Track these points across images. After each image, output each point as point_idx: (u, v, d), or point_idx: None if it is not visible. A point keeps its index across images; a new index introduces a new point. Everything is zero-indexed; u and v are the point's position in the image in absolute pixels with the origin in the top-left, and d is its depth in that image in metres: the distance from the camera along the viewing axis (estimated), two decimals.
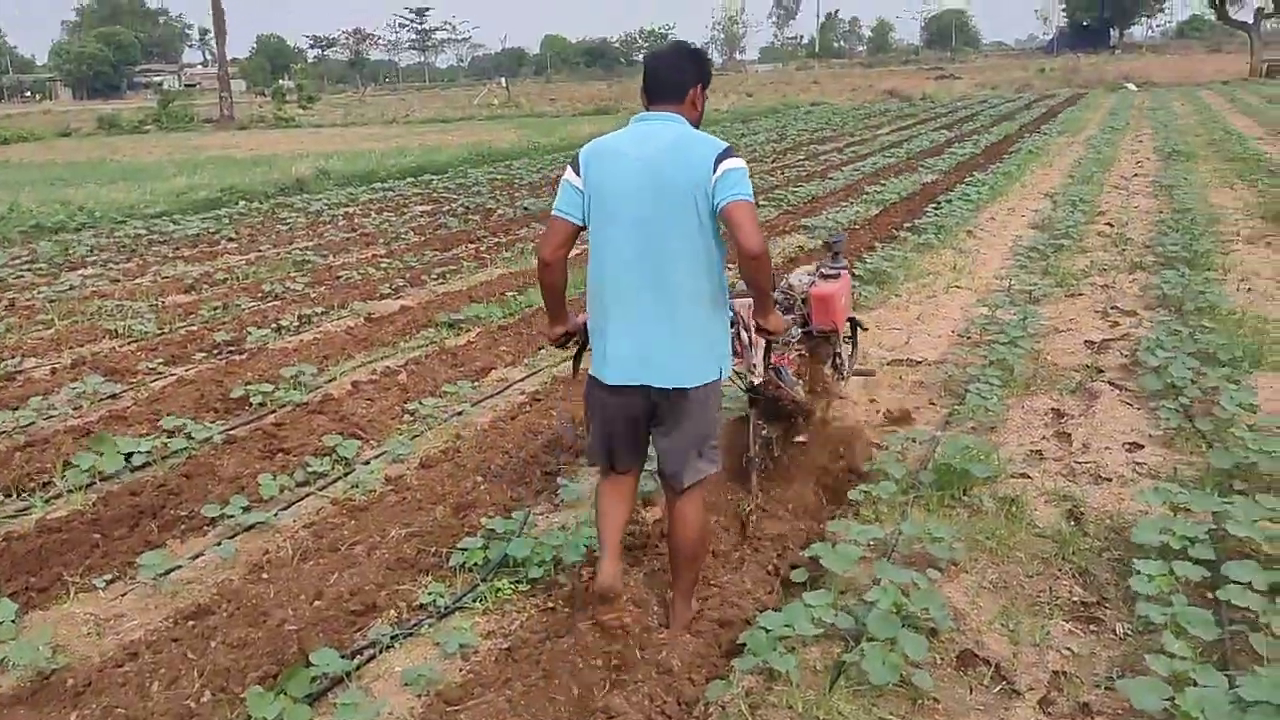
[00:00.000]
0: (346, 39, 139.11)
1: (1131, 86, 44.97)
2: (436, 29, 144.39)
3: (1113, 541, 3.96)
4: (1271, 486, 4.22)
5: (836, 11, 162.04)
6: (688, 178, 3.05)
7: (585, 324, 3.36)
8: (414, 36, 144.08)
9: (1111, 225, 11.41)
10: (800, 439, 4.58)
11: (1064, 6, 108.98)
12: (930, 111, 35.28)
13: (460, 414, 5.87)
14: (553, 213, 3.23)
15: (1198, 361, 5.73)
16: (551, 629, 3.47)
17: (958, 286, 8.62)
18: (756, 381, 3.97)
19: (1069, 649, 3.28)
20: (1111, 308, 7.63)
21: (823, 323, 4.62)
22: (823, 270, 4.79)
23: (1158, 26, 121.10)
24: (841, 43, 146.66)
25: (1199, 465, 4.62)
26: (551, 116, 45.33)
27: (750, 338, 3.67)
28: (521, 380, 6.53)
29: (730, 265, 3.37)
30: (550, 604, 3.68)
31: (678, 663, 3.18)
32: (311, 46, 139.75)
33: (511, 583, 3.85)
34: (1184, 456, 4.78)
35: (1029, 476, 4.63)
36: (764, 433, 4.41)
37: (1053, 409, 5.54)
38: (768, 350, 4.03)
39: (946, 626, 3.32)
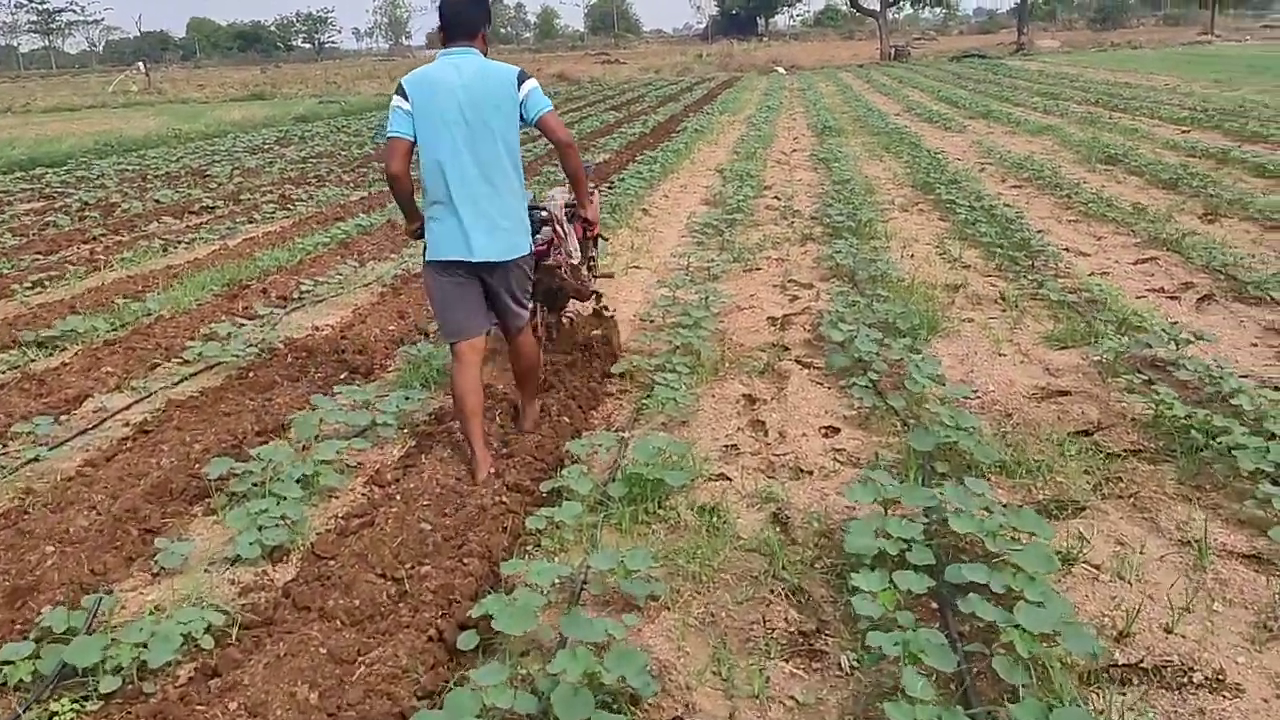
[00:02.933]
0: None
1: (781, 70, 47.79)
2: (61, 10, 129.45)
3: (824, 548, 3.51)
4: (973, 465, 3.96)
5: None
6: (499, 94, 3.91)
7: None
8: (34, 19, 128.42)
9: (779, 199, 11.52)
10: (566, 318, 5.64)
11: None
12: (599, 94, 35.53)
13: (35, 460, 4.59)
14: (389, 134, 3.90)
15: (879, 333, 5.54)
16: None
17: (636, 267, 8.18)
18: (574, 263, 4.85)
19: (793, 698, 2.74)
20: (789, 281, 7.46)
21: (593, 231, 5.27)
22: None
23: (798, 16, 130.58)
24: (508, 28, 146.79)
25: (898, 447, 4.33)
26: (199, 102, 41.55)
27: (566, 229, 4.75)
28: (125, 409, 5.29)
29: None
30: None
31: None
32: None
33: (74, 702, 2.81)
34: (882, 438, 4.49)
35: (728, 478, 4.14)
36: (544, 317, 5.29)
37: (744, 395, 5.14)
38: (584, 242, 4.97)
39: (649, 693, 2.67)
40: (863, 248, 8.35)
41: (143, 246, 9.55)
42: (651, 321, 6.47)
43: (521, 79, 3.94)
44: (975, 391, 4.98)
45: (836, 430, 4.61)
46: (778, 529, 3.68)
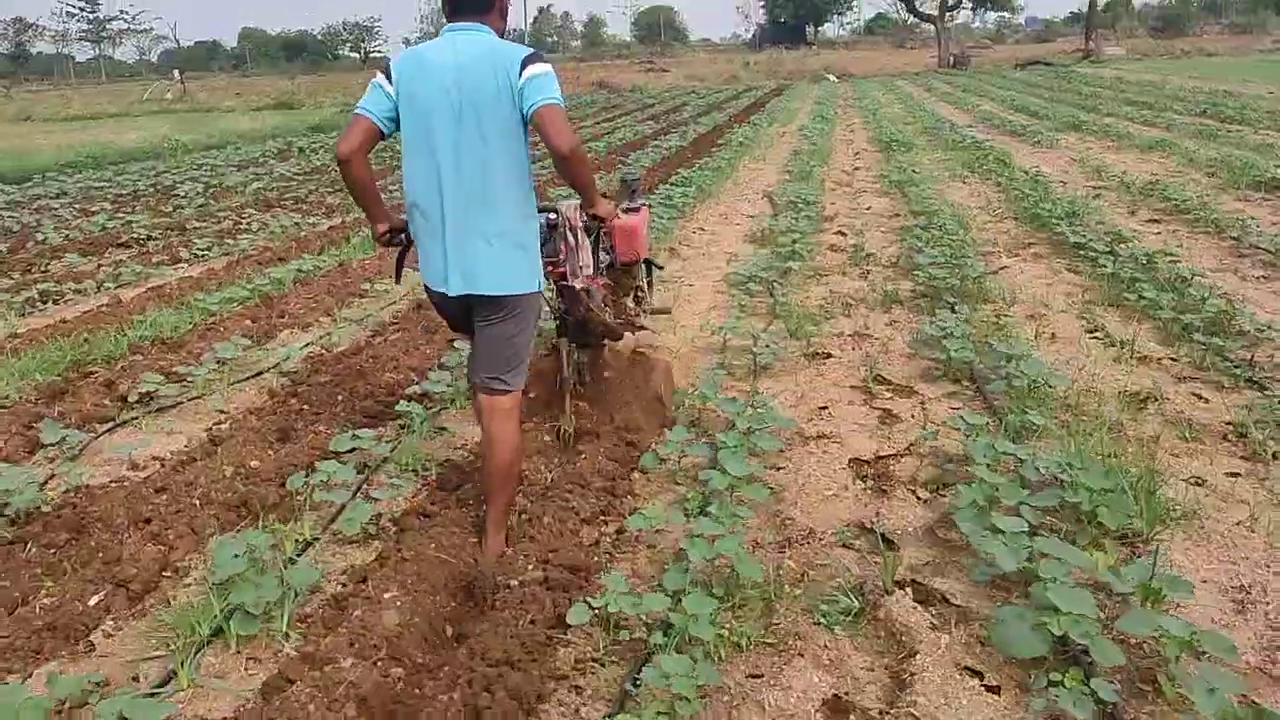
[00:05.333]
0: (5, 29, 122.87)
1: (832, 78, 45.29)
2: (112, 19, 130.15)
3: None
4: None
5: (550, 6, 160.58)
6: (498, 84, 3.02)
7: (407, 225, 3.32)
8: (86, 27, 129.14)
9: (844, 234, 9.03)
10: (607, 374, 4.50)
11: (764, 4, 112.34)
12: (638, 103, 33.16)
13: None
14: (356, 110, 3.11)
15: (1058, 522, 3.05)
16: None
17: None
18: (579, 285, 3.81)
19: None
20: (876, 379, 4.95)
21: (626, 254, 4.42)
22: (623, 206, 4.40)
23: (848, 24, 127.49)
24: (554, 38, 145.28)
25: None
26: (225, 111, 39.87)
27: (578, 239, 3.74)
28: None
29: None
30: None
31: None
32: None
33: None
34: None
35: None
36: (575, 357, 4.31)
37: (824, 697, 2.66)
38: (596, 252, 3.95)
39: None
40: (975, 318, 5.85)
41: (3, 301, 7.24)
42: (655, 471, 4.01)
43: (529, 61, 3.05)
44: None
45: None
46: None
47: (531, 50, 3.06)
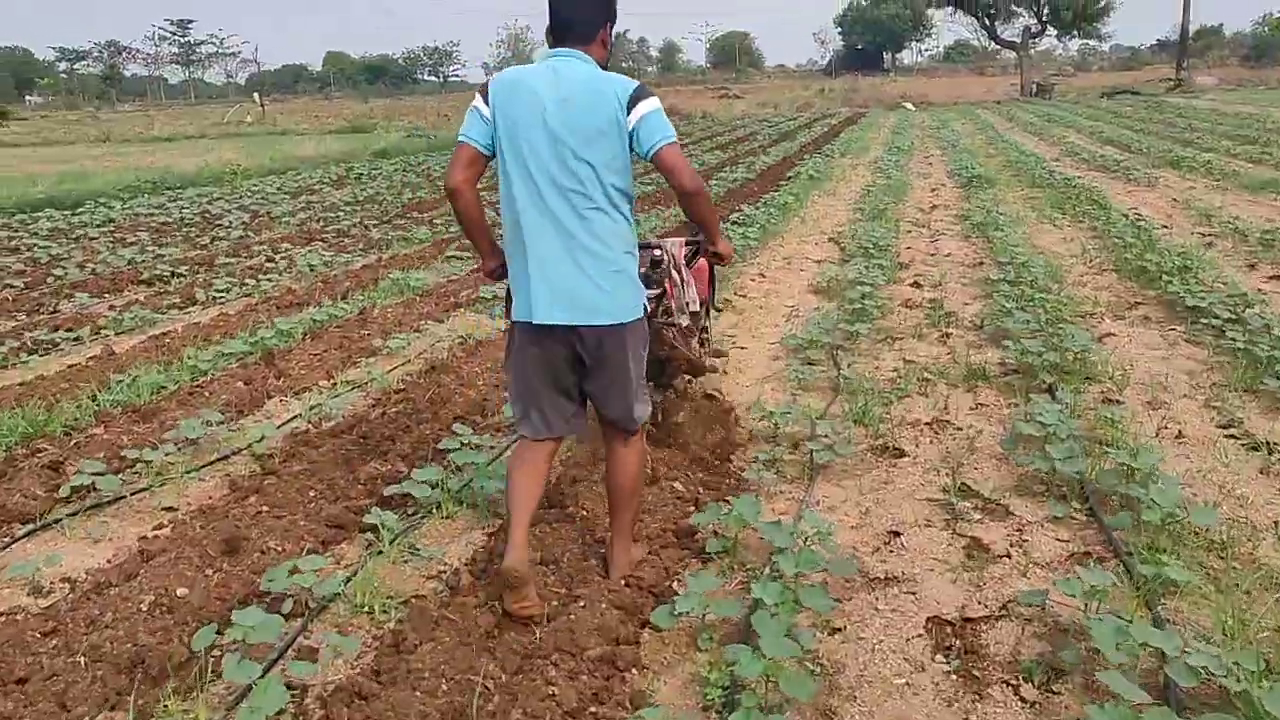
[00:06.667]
0: (100, 52, 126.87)
1: (909, 105, 44.09)
2: (201, 42, 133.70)
3: None
4: None
5: (626, 31, 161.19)
6: (601, 116, 2.93)
7: None
8: (176, 50, 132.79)
9: (920, 285, 8.06)
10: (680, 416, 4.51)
11: (841, 30, 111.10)
12: (707, 130, 32.36)
13: None
14: (458, 138, 3.03)
15: None
16: None
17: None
18: (684, 323, 3.89)
19: None
20: (960, 488, 3.99)
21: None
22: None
23: (926, 51, 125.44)
24: (630, 63, 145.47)
25: None
26: (298, 134, 40.00)
27: (683, 276, 3.81)
28: None
29: None
30: None
31: None
32: (60, 59, 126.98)
33: None
34: None
35: None
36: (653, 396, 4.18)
37: None
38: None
39: None
40: (1079, 404, 4.86)
41: None
42: (671, 629, 3.12)
43: (637, 98, 2.92)
44: None
45: None
46: None
47: (638, 84, 2.97)
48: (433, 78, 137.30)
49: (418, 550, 3.63)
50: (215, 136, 41.31)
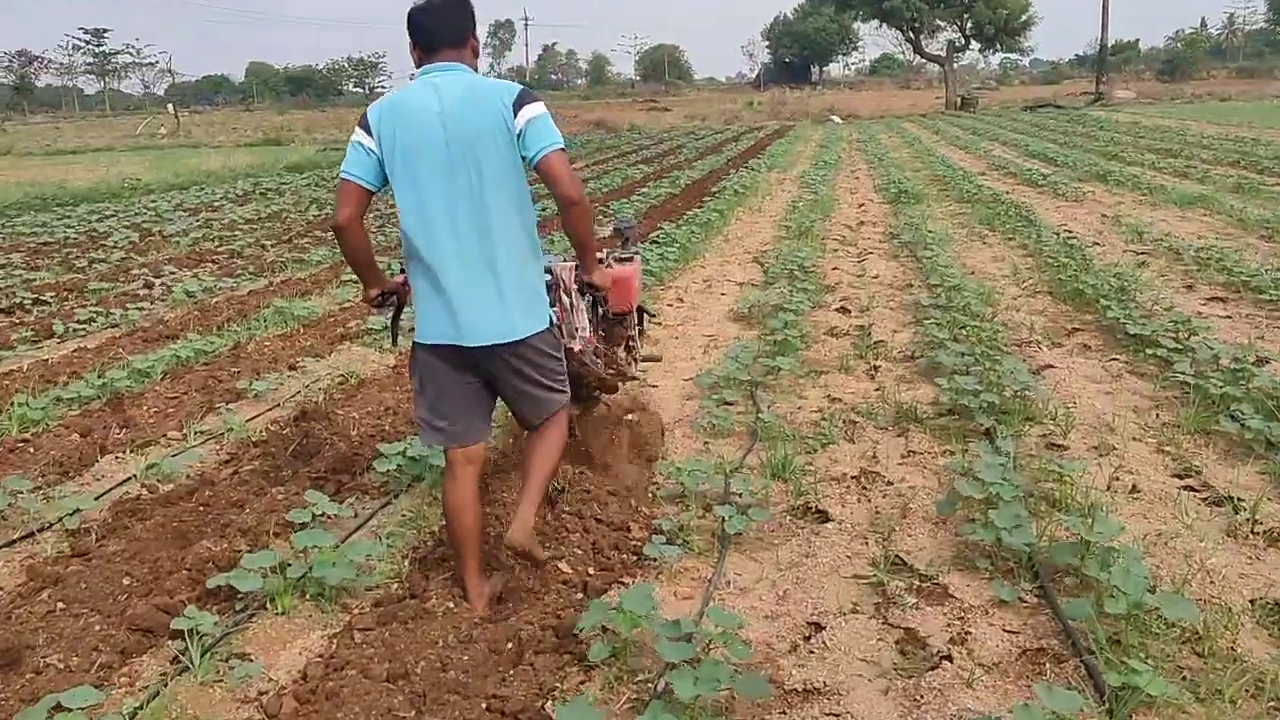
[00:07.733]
0: (10, 61, 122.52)
1: (837, 119, 44.22)
2: (118, 52, 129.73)
3: None
4: None
5: (554, 44, 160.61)
6: (487, 123, 2.91)
7: (403, 284, 3.22)
8: (90, 60, 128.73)
9: (848, 310, 7.56)
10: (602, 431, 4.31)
11: (768, 44, 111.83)
12: (634, 144, 31.89)
13: None
14: (341, 175, 2.97)
15: None
16: None
17: (587, 491, 4.22)
18: (577, 347, 3.56)
19: None
20: (891, 569, 3.43)
21: (618, 305, 4.05)
22: (615, 255, 4.13)
23: (853, 65, 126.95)
24: (559, 75, 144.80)
25: None
26: (214, 147, 38.64)
27: (572, 301, 3.55)
28: None
29: None
30: None
31: None
32: None
33: None
34: None
35: None
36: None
37: None
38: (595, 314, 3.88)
39: None
40: (1021, 453, 4.36)
41: None
42: None
43: (523, 101, 2.92)
44: None
45: None
46: None
47: (522, 87, 2.95)
48: (358, 89, 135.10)
49: (237, 660, 2.95)
50: (124, 150, 39.75)
